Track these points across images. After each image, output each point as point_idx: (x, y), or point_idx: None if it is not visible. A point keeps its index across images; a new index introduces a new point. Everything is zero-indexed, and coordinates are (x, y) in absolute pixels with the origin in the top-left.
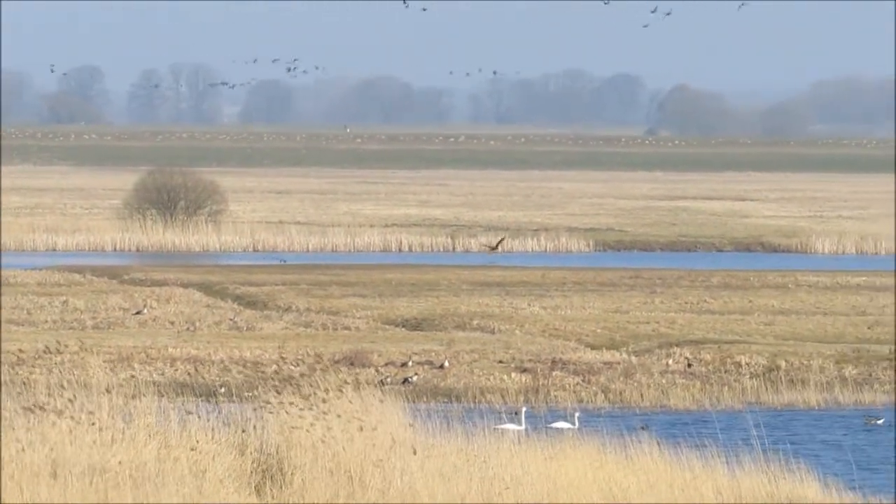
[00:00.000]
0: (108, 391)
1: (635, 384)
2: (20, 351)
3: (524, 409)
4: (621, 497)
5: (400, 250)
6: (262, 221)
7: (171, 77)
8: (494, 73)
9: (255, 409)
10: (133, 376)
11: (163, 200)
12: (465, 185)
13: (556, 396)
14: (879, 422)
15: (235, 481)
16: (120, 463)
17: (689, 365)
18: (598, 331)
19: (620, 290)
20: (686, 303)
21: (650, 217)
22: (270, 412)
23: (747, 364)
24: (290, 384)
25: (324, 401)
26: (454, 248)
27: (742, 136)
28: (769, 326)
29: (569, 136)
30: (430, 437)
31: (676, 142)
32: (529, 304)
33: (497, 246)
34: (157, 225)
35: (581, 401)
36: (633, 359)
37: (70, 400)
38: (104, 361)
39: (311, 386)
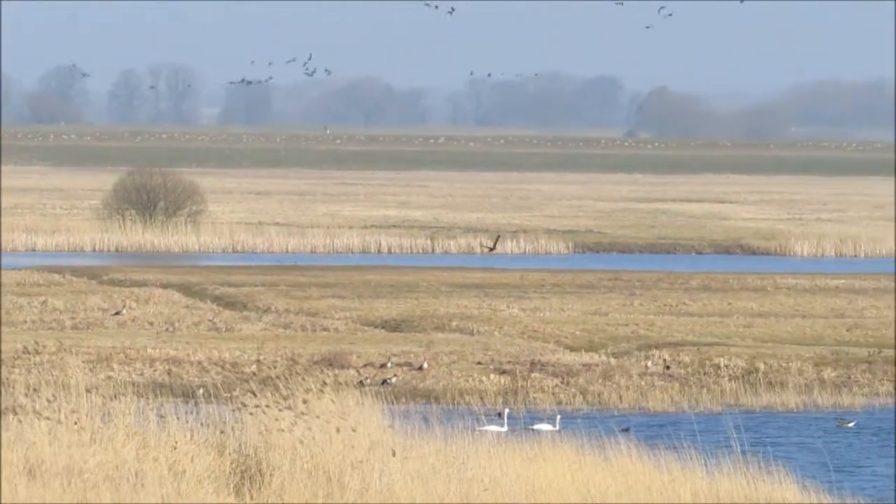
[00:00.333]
0: (88, 391)
1: (614, 386)
2: None
3: (507, 411)
4: (599, 498)
5: (379, 252)
6: (241, 222)
7: (150, 77)
8: (518, 75)
9: (233, 410)
10: (112, 377)
11: (142, 201)
12: (444, 187)
13: (534, 398)
14: (850, 424)
15: (214, 482)
16: (98, 463)
17: (668, 367)
18: (577, 333)
19: (599, 292)
20: (665, 305)
21: (629, 219)
22: (251, 413)
23: (726, 366)
24: (269, 385)
25: (303, 402)
26: (433, 250)
27: (721, 139)
28: (748, 329)
29: (548, 138)
30: (409, 438)
31: (656, 144)
32: (508, 306)
33: (495, 245)
34: (137, 225)
35: (560, 402)
36: (612, 361)
37: (49, 400)
38: (83, 362)
39: (290, 387)
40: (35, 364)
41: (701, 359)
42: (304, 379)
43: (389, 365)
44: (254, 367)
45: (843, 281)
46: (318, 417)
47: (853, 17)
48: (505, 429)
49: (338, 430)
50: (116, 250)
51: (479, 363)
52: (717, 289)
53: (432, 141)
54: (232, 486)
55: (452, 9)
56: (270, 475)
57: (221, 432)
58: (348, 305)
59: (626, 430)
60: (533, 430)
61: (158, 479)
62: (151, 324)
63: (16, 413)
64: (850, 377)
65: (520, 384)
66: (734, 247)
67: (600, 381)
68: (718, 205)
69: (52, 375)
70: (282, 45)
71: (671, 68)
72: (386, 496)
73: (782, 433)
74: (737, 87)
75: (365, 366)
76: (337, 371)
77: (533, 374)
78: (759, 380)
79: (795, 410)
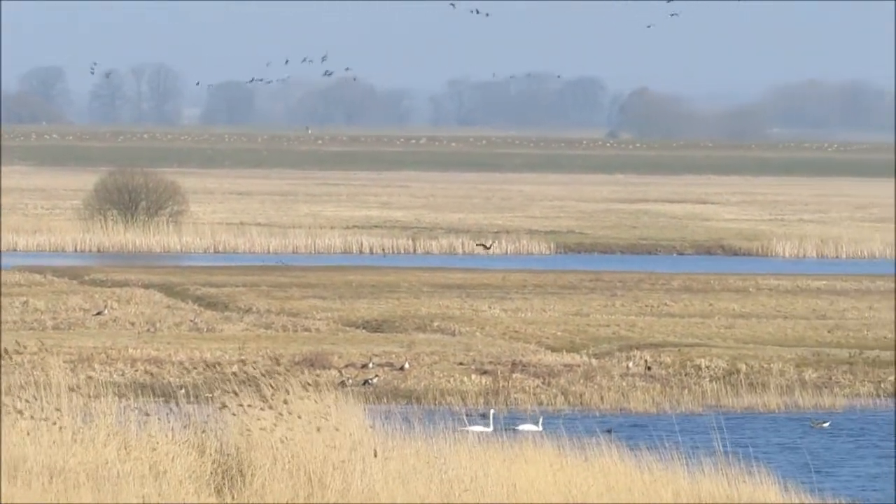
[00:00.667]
0: (71, 390)
1: (595, 387)
2: None
3: (492, 412)
4: (580, 499)
5: (361, 252)
6: (222, 223)
7: (132, 77)
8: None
9: (215, 411)
10: (93, 377)
11: (124, 201)
12: (426, 188)
13: (516, 399)
14: (825, 425)
15: (195, 482)
16: (79, 463)
17: (649, 368)
18: (559, 333)
19: (581, 292)
20: (646, 306)
21: (611, 220)
22: (233, 414)
23: (707, 367)
24: (251, 386)
25: (284, 402)
26: (415, 250)
27: (703, 140)
28: (729, 330)
29: (530, 139)
30: (391, 438)
31: (637, 145)
32: (490, 307)
33: (490, 246)
34: (118, 225)
35: (541, 403)
36: (594, 361)
37: (28, 401)
38: (64, 362)
39: (272, 387)
40: (16, 364)
41: (682, 360)
42: (285, 379)
43: (371, 365)
44: (235, 368)
45: (824, 282)
46: (299, 418)
47: (834, 18)
48: (490, 429)
49: (318, 430)
50: (98, 250)
51: (461, 364)
52: (699, 290)
53: (414, 141)
54: (213, 486)
55: (477, 10)
56: (252, 475)
57: (203, 432)
58: (330, 306)
59: (610, 431)
60: (517, 430)
61: (139, 479)
62: (133, 324)
63: None
64: (831, 378)
65: (501, 385)
66: (716, 247)
67: (582, 381)
68: (700, 205)
69: (34, 376)
70: (282, 45)
71: (653, 69)
72: (367, 496)
73: (761, 434)
74: (719, 88)
75: (346, 366)
76: (318, 371)
77: (514, 375)
78: (741, 381)
79: (776, 411)
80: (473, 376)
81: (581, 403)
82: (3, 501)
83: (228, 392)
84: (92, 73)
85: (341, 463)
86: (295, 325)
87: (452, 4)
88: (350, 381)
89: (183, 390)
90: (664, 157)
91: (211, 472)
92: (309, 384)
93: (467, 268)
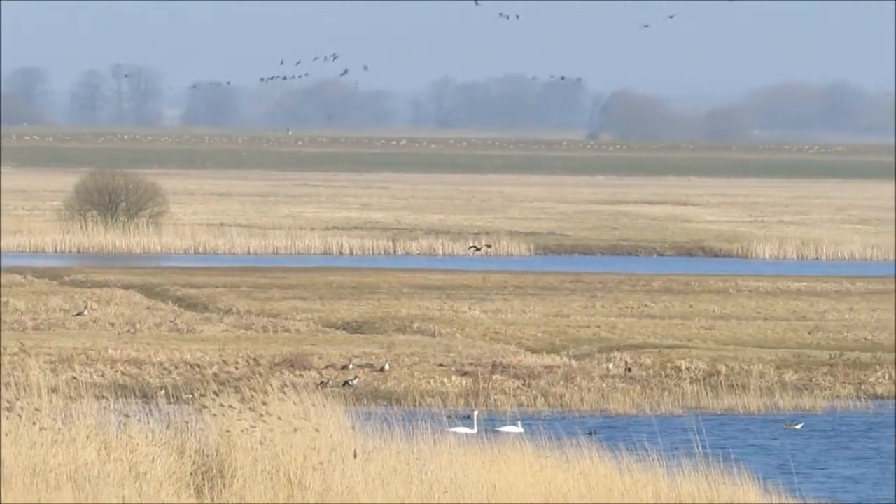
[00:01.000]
0: (53, 391)
1: (575, 388)
2: None
3: (476, 413)
4: (560, 500)
5: (341, 253)
6: (203, 224)
7: (113, 78)
8: (563, 78)
9: (195, 411)
10: (73, 378)
11: (104, 202)
12: (406, 189)
13: (496, 400)
14: (798, 426)
15: (175, 483)
16: (60, 464)
17: (629, 369)
18: (539, 335)
19: (561, 293)
20: (627, 307)
21: (591, 221)
22: (214, 414)
23: (687, 369)
24: (231, 386)
25: (263, 403)
26: (395, 252)
27: (683, 141)
28: (710, 331)
29: (510, 141)
30: (371, 440)
31: (618, 146)
32: (470, 308)
33: (480, 248)
34: (99, 226)
35: (521, 405)
36: (574, 363)
37: (9, 402)
38: (45, 363)
39: (252, 389)
40: None
41: (662, 361)
42: (265, 380)
43: (351, 366)
44: (215, 369)
45: (804, 284)
46: (279, 419)
47: (814, 19)
48: (475, 430)
49: (295, 431)
50: (78, 251)
51: (441, 365)
52: (679, 291)
53: (394, 143)
54: (193, 487)
55: (509, 16)
56: (232, 476)
57: (183, 433)
58: (310, 307)
59: (592, 432)
60: (499, 432)
61: (119, 480)
62: (113, 325)
63: None
64: (811, 380)
65: (481, 386)
66: (696, 249)
67: (562, 383)
68: (680, 207)
69: (14, 377)
70: (282, 45)
71: (634, 70)
72: (347, 498)
73: (738, 435)
74: (699, 90)
75: (326, 367)
76: (298, 372)
77: (494, 376)
78: (721, 382)
79: (756, 413)
80: (453, 378)
81: (561, 405)
82: None
83: (208, 393)
84: (119, 75)
85: (321, 464)
86: (275, 326)
87: (476, 2)
88: (330, 382)
89: (163, 391)
90: (644, 159)
91: (191, 473)
92: (285, 386)
93: (447, 269)
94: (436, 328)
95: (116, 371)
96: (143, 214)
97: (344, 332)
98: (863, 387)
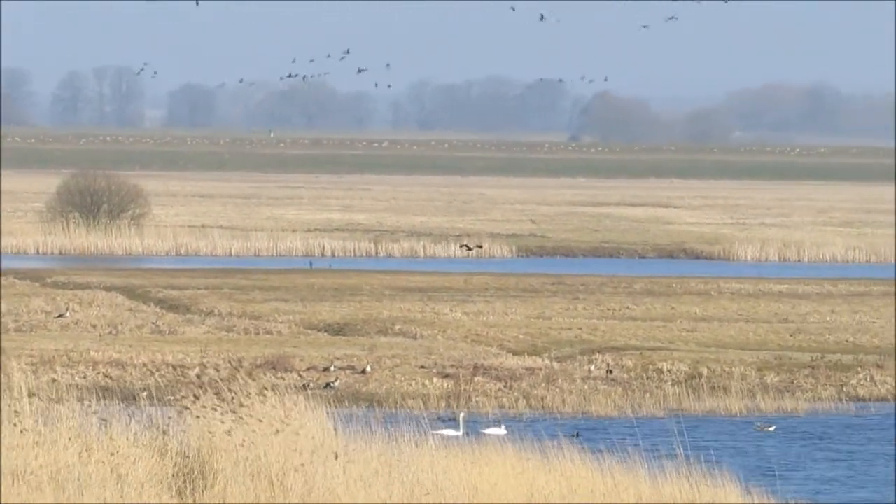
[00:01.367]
0: (32, 394)
1: (557, 390)
2: None
3: (462, 415)
4: (542, 502)
5: (323, 255)
6: (184, 225)
7: (94, 80)
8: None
9: (176, 413)
10: (55, 379)
11: (86, 204)
12: (387, 191)
13: (477, 402)
14: (771, 429)
15: (157, 485)
16: (41, 466)
17: (611, 371)
18: (521, 337)
19: (543, 296)
20: (608, 309)
21: (573, 223)
22: (197, 416)
23: (669, 371)
24: (212, 388)
25: (241, 405)
26: (377, 254)
27: (665, 143)
28: (691, 333)
29: (491, 142)
30: (352, 442)
31: (599, 148)
32: (452, 310)
33: (472, 248)
34: (80, 228)
35: (503, 406)
36: (555, 365)
37: None
38: (26, 364)
39: (233, 391)
40: None
41: (644, 363)
42: (247, 382)
43: (332, 368)
44: (197, 371)
45: (786, 286)
46: (260, 421)
47: (795, 21)
48: (461, 432)
49: (277, 433)
50: (60, 253)
51: (423, 367)
52: (661, 293)
53: (376, 145)
54: (174, 489)
55: (550, 19)
56: (213, 478)
57: (164, 433)
58: (291, 309)
59: (577, 434)
60: (483, 434)
61: (101, 481)
62: (94, 326)
63: None
64: (792, 382)
65: (463, 388)
66: (678, 251)
67: (543, 385)
68: (662, 209)
69: None
70: (282, 46)
71: (615, 72)
72: (328, 499)
73: (716, 437)
74: (680, 92)
75: (308, 369)
76: (280, 374)
77: (476, 378)
78: (702, 384)
79: (738, 415)
80: (435, 379)
81: (543, 407)
82: None
83: (190, 395)
84: (145, 74)
85: (302, 466)
86: (257, 328)
87: (513, 8)
88: (312, 384)
89: (145, 393)
90: (626, 161)
91: (172, 475)
92: (265, 389)
93: (429, 271)
94: (417, 330)
95: (98, 373)
96: (125, 216)
97: (326, 334)
98: (844, 389)
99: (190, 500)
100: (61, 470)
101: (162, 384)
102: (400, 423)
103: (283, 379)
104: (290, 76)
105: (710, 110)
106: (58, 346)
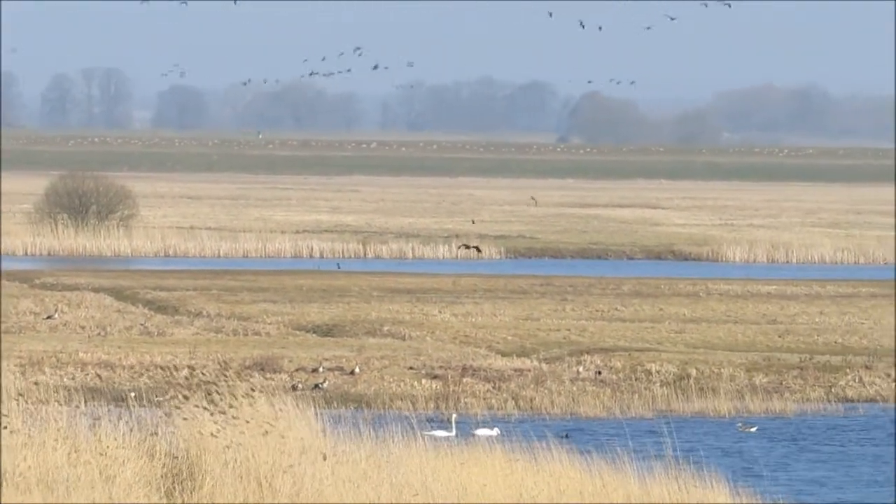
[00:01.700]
0: (20, 395)
1: (546, 391)
2: None
3: (454, 416)
4: (531, 502)
5: (311, 256)
6: (173, 227)
7: (83, 81)
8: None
9: (165, 415)
10: (44, 381)
11: (74, 205)
12: (376, 192)
13: (466, 403)
14: (753, 429)
15: (145, 486)
16: (29, 468)
17: (599, 372)
18: (509, 338)
19: (531, 297)
20: (597, 310)
21: (561, 224)
22: (185, 418)
23: (658, 372)
24: (201, 389)
25: (230, 406)
26: (365, 255)
27: (653, 144)
28: (680, 334)
29: (480, 144)
30: (341, 443)
31: (588, 149)
32: (440, 311)
33: (470, 247)
34: (69, 229)
35: (491, 408)
36: (544, 366)
37: None
38: (15, 366)
39: (221, 392)
40: None
41: (632, 364)
42: (235, 383)
43: (321, 369)
44: (186, 372)
45: (774, 287)
46: (248, 422)
47: (783, 22)
48: (453, 434)
49: (265, 434)
50: (49, 254)
51: (411, 368)
52: (649, 294)
53: (364, 146)
54: (163, 490)
55: (598, 27)
56: (202, 479)
57: (153, 434)
58: (280, 310)
59: (566, 435)
60: (475, 435)
61: (90, 483)
62: (83, 328)
63: None
64: (781, 383)
65: (451, 389)
66: (666, 252)
67: (532, 386)
68: (650, 210)
69: None
70: (282, 45)
71: (603, 73)
72: (317, 499)
73: (702, 438)
74: (669, 93)
75: (297, 370)
76: (269, 375)
77: (465, 380)
78: (691, 385)
79: (727, 416)
80: (424, 381)
81: (531, 408)
82: None
83: (178, 396)
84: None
85: (291, 467)
86: (245, 329)
87: (550, 14)
88: (300, 385)
89: (133, 394)
90: (614, 162)
91: (161, 476)
92: (254, 390)
93: (417, 272)
94: (406, 331)
95: (87, 374)
96: (113, 217)
97: (314, 335)
98: (833, 390)
99: (178, 502)
100: (50, 471)
101: (150, 385)
102: (388, 424)
103: (272, 380)
104: (311, 74)
105: (698, 111)
106: (47, 348)
